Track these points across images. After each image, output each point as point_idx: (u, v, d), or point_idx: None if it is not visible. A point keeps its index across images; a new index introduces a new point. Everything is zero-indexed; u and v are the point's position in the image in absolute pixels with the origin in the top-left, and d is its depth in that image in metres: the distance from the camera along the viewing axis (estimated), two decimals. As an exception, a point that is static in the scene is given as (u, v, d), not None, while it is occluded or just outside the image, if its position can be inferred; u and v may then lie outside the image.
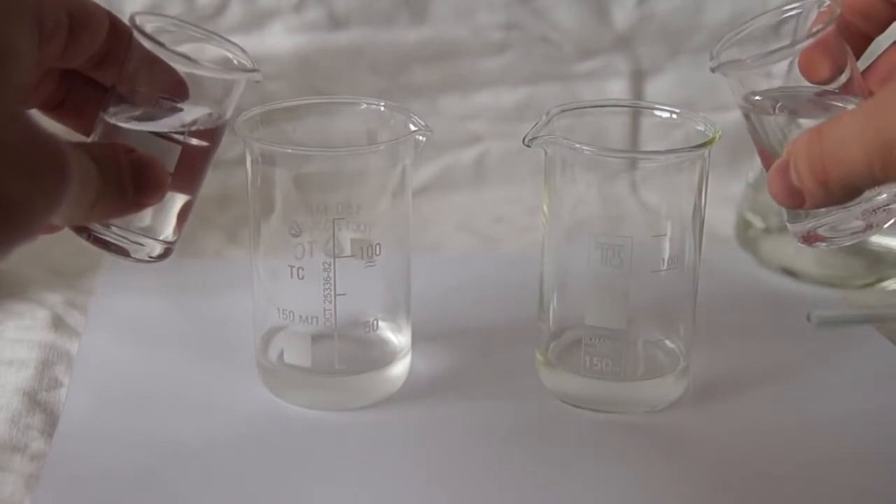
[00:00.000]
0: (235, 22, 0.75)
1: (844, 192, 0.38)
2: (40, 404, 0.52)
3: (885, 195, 0.42)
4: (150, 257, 0.45)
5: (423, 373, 0.55)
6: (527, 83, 0.81)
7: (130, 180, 0.39)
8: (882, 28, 0.45)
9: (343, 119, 0.53)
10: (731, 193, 0.76)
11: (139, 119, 0.43)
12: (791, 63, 0.43)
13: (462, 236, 0.75)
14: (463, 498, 0.47)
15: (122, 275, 0.65)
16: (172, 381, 0.54)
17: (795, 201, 0.40)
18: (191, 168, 0.44)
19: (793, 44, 0.41)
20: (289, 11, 0.76)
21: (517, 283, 0.61)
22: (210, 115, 0.45)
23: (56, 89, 0.44)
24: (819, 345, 0.60)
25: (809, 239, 0.44)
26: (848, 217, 0.43)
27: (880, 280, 0.67)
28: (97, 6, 0.42)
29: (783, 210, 0.44)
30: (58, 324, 0.59)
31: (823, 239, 0.44)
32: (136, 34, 0.42)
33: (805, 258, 0.67)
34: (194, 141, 0.44)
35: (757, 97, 0.44)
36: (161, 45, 0.41)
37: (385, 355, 0.53)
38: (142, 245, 0.44)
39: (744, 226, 0.71)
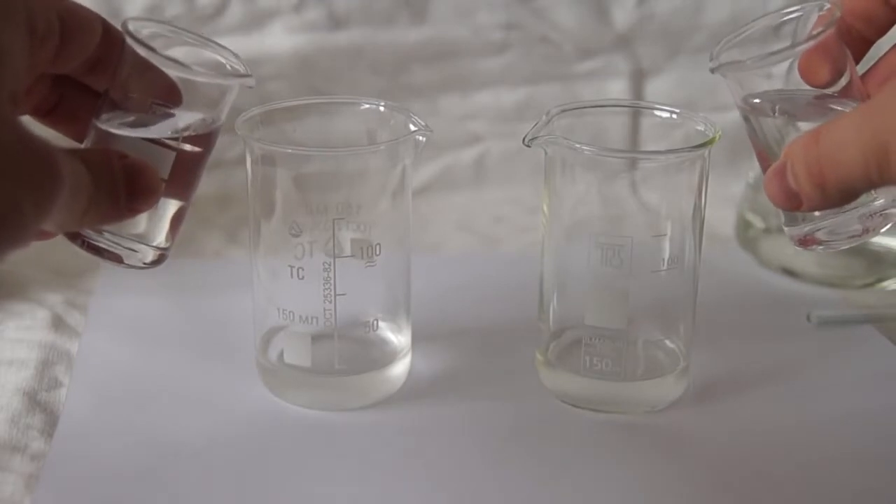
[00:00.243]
0: (235, 22, 0.75)
1: (841, 194, 0.38)
2: (40, 404, 0.52)
3: (881, 200, 0.42)
4: (144, 263, 0.45)
5: (423, 373, 0.55)
6: (527, 83, 0.81)
7: (123, 186, 0.39)
8: (882, 32, 0.45)
9: (343, 119, 0.53)
10: (731, 193, 0.76)
11: (132, 125, 0.43)
12: (790, 66, 0.43)
13: (462, 236, 0.75)
14: (463, 498, 0.47)
15: (122, 275, 0.64)
16: (172, 381, 0.54)
17: (792, 204, 0.39)
18: (184, 174, 0.44)
19: (792, 46, 0.42)
20: (289, 11, 0.76)
21: (517, 283, 0.61)
22: (203, 120, 0.44)
23: (48, 95, 0.44)
24: (819, 345, 0.60)
25: (806, 242, 0.44)
26: (845, 221, 0.43)
27: (880, 280, 0.67)
28: (89, 11, 0.42)
29: (780, 213, 0.44)
30: (58, 324, 0.59)
31: (820, 242, 0.44)
32: (128, 40, 0.42)
33: (805, 258, 0.67)
34: (188, 146, 0.43)
35: (756, 99, 0.44)
36: (153, 50, 0.41)
37: (385, 355, 0.53)
38: (135, 251, 0.44)
39: (744, 226, 0.71)
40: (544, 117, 0.50)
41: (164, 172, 0.43)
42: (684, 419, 0.52)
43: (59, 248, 0.67)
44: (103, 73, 0.43)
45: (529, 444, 0.50)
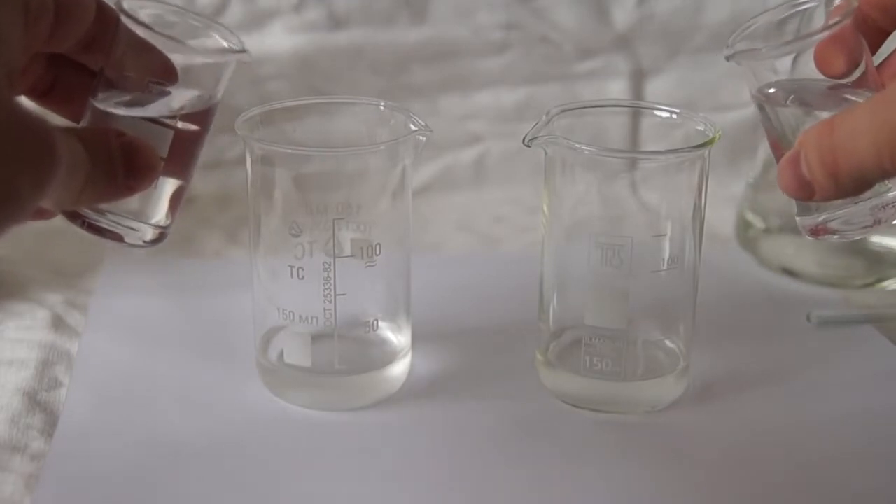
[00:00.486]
0: (235, 22, 0.75)
1: (855, 184, 0.38)
2: (40, 404, 0.52)
3: (895, 191, 0.42)
4: (144, 242, 0.45)
5: (423, 373, 0.55)
6: (527, 83, 0.81)
7: (121, 164, 0.39)
8: None
9: (343, 119, 0.53)
10: (731, 193, 0.76)
11: (129, 104, 0.43)
12: (799, 56, 0.42)
13: (462, 236, 0.75)
14: (463, 498, 0.47)
15: (122, 275, 0.65)
16: (172, 381, 0.54)
17: (805, 193, 0.39)
18: (182, 152, 0.44)
19: (809, 35, 0.41)
20: (289, 11, 0.76)
21: (517, 283, 0.61)
22: (200, 97, 0.44)
23: (43, 75, 0.44)
24: (819, 345, 0.60)
25: (817, 232, 0.44)
26: (857, 211, 0.42)
27: (880, 280, 0.67)
28: None
29: (793, 203, 0.44)
30: (58, 324, 0.59)
31: (832, 232, 0.43)
32: (123, 18, 0.41)
33: (805, 258, 0.67)
34: (185, 125, 0.43)
35: (770, 88, 0.44)
36: (149, 27, 0.41)
37: (385, 355, 0.53)
38: (135, 230, 0.44)
39: (744, 226, 0.71)
40: (544, 117, 0.50)
41: (163, 151, 0.43)
42: (684, 419, 0.52)
43: (59, 248, 0.67)
44: (98, 51, 0.43)
45: (529, 444, 0.50)
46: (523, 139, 0.50)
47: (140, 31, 0.41)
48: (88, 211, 0.43)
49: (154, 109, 0.43)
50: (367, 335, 0.53)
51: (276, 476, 0.47)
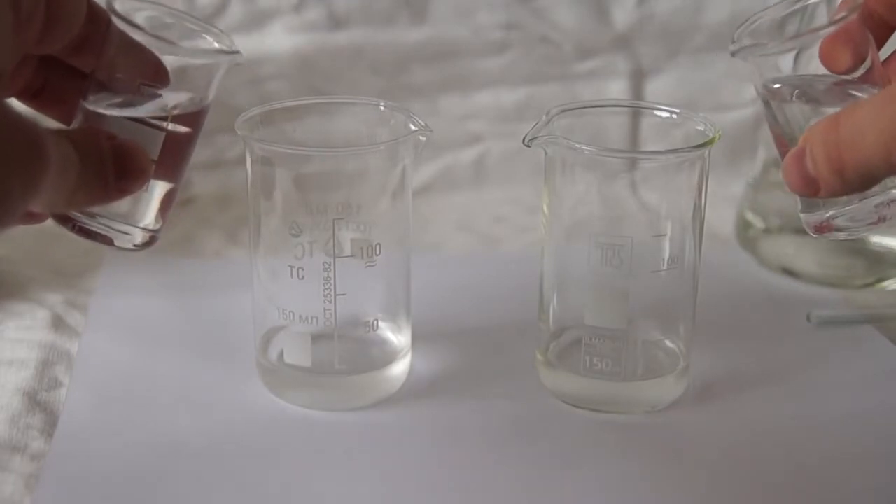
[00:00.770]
0: (235, 22, 0.75)
1: (860, 180, 0.37)
2: (40, 404, 0.52)
3: None
4: (135, 245, 0.45)
5: (423, 373, 0.55)
6: (527, 83, 0.81)
7: (112, 166, 0.39)
8: None
9: (343, 119, 0.53)
10: (731, 193, 0.76)
11: (120, 106, 0.43)
12: (804, 52, 0.42)
13: (462, 236, 0.75)
14: (463, 497, 0.47)
15: (122, 275, 0.65)
16: (172, 381, 0.54)
17: (810, 189, 0.39)
18: (174, 154, 0.44)
19: (814, 30, 0.41)
20: (289, 11, 0.76)
21: (517, 283, 0.61)
22: (192, 98, 0.44)
23: (34, 77, 0.44)
24: (819, 345, 0.60)
25: (822, 229, 0.43)
26: (862, 208, 0.42)
27: (880, 280, 0.67)
28: None
29: (798, 199, 0.44)
30: (58, 324, 0.59)
31: (837, 229, 0.43)
32: (114, 19, 0.41)
33: (805, 258, 0.67)
34: (176, 127, 0.43)
35: (776, 84, 0.43)
36: (140, 28, 0.41)
37: (385, 355, 0.53)
38: (126, 233, 0.44)
39: (744, 226, 0.71)
40: (544, 117, 0.50)
41: (154, 153, 0.43)
42: (684, 419, 0.52)
43: (59, 248, 0.67)
44: (89, 53, 0.43)
45: (529, 444, 0.50)
46: (523, 139, 0.50)
47: (131, 33, 0.41)
48: (79, 214, 0.43)
49: (145, 111, 0.43)
50: (367, 335, 0.53)
51: (276, 476, 0.47)
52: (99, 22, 0.42)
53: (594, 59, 0.81)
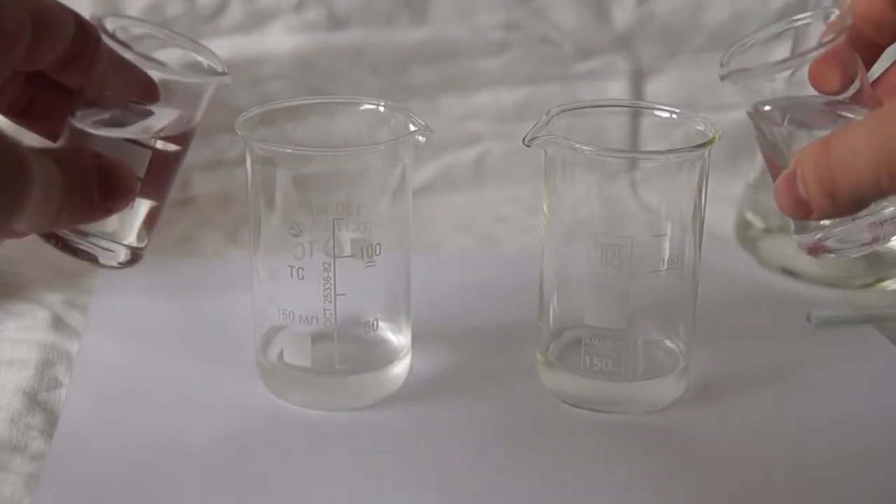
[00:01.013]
0: (235, 22, 0.75)
1: (852, 202, 0.37)
2: (40, 404, 0.52)
3: (892, 208, 0.41)
4: (119, 263, 0.45)
5: (423, 373, 0.55)
6: (527, 83, 0.81)
7: (97, 185, 0.39)
8: (893, 38, 0.44)
9: (343, 119, 0.53)
10: (731, 193, 0.76)
11: (108, 124, 0.43)
12: (794, 74, 0.42)
13: (462, 236, 0.75)
14: (462, 498, 0.47)
15: (122, 275, 0.64)
16: (172, 381, 0.54)
17: (802, 212, 0.39)
18: (160, 173, 0.44)
19: (803, 53, 0.41)
20: (289, 11, 0.76)
21: (517, 283, 0.61)
22: (180, 118, 0.44)
23: (21, 94, 0.44)
24: (819, 345, 0.60)
25: (815, 251, 0.44)
26: (855, 229, 0.42)
27: (880, 280, 0.67)
28: (63, 7, 0.41)
29: (790, 221, 0.44)
30: (58, 324, 0.59)
31: (830, 250, 0.43)
32: (103, 37, 0.41)
33: (805, 258, 0.67)
34: (164, 146, 0.43)
35: (766, 106, 0.44)
36: (129, 47, 0.41)
37: (385, 355, 0.53)
38: (110, 251, 0.44)
39: (744, 226, 0.71)
40: (544, 117, 0.50)
41: (140, 171, 0.42)
42: (684, 419, 0.52)
43: (59, 248, 0.67)
44: (78, 69, 0.43)
45: (529, 444, 0.50)
46: (523, 139, 0.50)
47: (121, 51, 0.41)
48: (64, 231, 0.43)
49: (133, 129, 0.43)
50: (367, 335, 0.53)
51: (276, 476, 0.47)
52: (88, 39, 0.42)
53: (594, 59, 0.81)
